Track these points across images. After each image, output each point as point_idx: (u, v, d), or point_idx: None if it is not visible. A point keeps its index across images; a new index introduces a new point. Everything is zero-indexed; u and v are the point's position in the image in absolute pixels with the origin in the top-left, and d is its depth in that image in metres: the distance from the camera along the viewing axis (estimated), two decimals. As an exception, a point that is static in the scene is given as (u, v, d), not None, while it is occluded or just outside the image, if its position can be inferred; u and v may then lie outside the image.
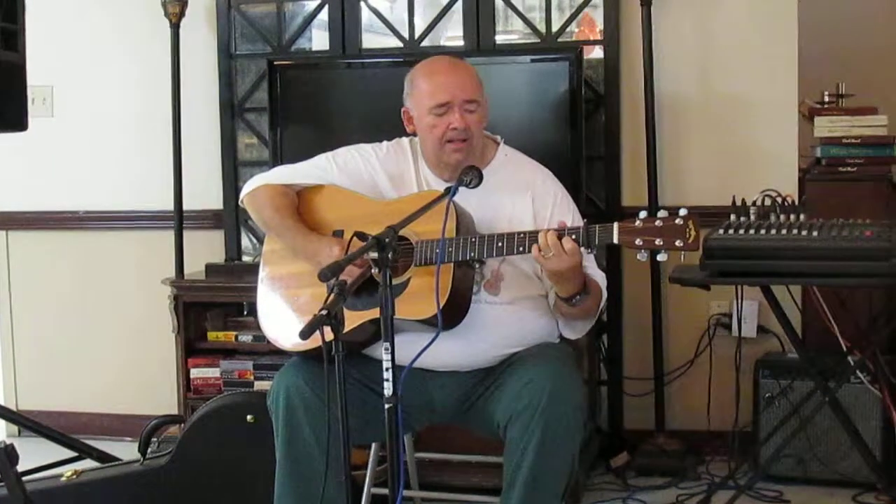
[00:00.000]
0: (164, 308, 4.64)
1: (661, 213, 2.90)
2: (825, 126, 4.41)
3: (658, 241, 2.88)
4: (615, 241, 2.93)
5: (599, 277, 3.26)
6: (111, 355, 5.24)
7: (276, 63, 4.67)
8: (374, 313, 2.99)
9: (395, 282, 2.92)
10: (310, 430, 3.13)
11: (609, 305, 4.53)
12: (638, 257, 2.91)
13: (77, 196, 5.22)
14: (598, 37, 4.71)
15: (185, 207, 4.84)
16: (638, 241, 2.89)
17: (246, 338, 4.63)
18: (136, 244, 5.17)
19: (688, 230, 2.86)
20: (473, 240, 3.07)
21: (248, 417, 3.58)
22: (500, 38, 4.80)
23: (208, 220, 5.05)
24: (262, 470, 3.32)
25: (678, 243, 2.86)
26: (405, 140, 3.47)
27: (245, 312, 4.80)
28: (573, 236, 2.96)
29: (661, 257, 2.89)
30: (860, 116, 4.39)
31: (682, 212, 2.87)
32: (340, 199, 3.37)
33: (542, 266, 3.06)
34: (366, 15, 4.87)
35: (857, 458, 3.94)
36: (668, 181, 4.59)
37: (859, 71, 4.35)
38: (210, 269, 4.75)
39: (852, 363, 3.98)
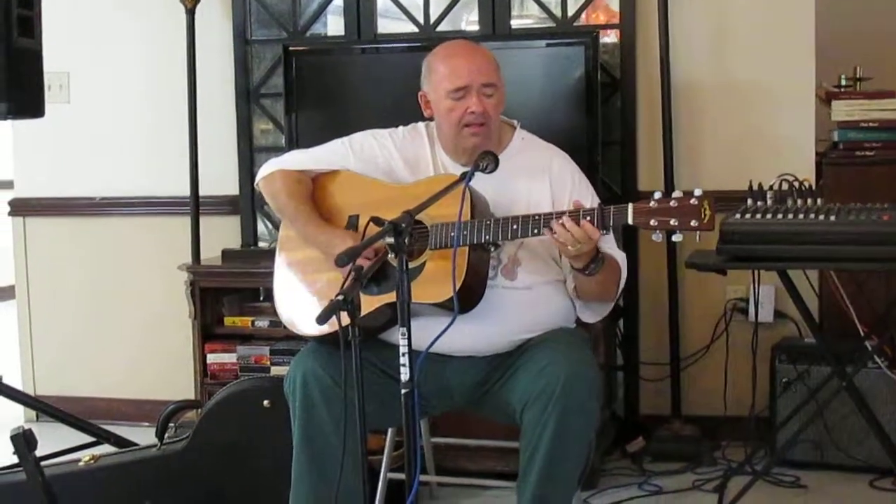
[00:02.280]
0: (181, 294, 4.65)
1: (676, 194, 2.90)
2: (842, 110, 4.39)
3: (673, 222, 2.87)
4: (630, 221, 2.92)
5: (619, 257, 3.26)
6: (128, 341, 5.25)
7: (291, 49, 4.66)
8: (390, 297, 3.00)
9: (410, 265, 2.91)
10: (326, 415, 3.13)
11: (625, 290, 4.49)
12: (653, 238, 2.91)
13: (93, 182, 5.23)
14: (614, 21, 4.69)
15: (201, 193, 4.84)
16: (653, 222, 2.89)
17: (262, 323, 4.64)
18: (152, 230, 5.19)
19: (703, 210, 2.85)
20: (488, 223, 3.06)
21: (265, 402, 3.59)
22: (515, 23, 4.79)
23: (224, 205, 5.06)
24: (279, 455, 3.33)
25: (693, 223, 2.86)
26: (421, 125, 3.46)
27: (261, 298, 4.80)
28: (588, 217, 2.96)
29: (676, 238, 2.89)
30: (878, 100, 4.37)
31: (697, 192, 2.87)
32: (356, 184, 3.37)
33: (561, 250, 3.06)
34: (381, 0, 4.86)
35: (874, 443, 3.93)
36: (685, 165, 4.58)
37: (877, 54, 4.32)
38: (226, 254, 4.75)
39: (870, 348, 3.97)
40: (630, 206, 2.93)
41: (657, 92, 4.52)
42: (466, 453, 4.16)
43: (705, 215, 2.85)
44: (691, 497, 4.13)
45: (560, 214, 2.99)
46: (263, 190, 3.45)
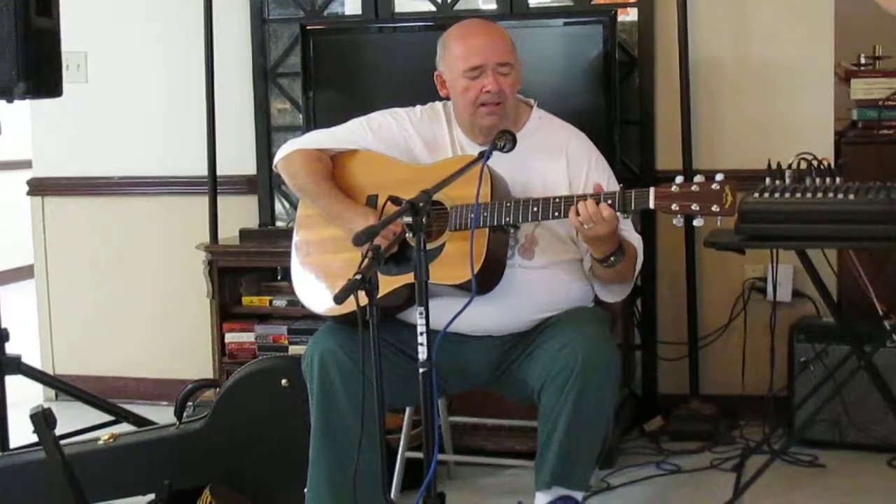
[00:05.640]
0: (199, 273, 4.67)
1: (698, 178, 2.89)
2: (861, 88, 4.37)
3: (694, 207, 2.87)
4: (651, 206, 2.92)
5: (636, 240, 3.25)
6: (147, 320, 5.27)
7: (308, 28, 4.66)
8: (409, 278, 3.00)
9: (429, 246, 2.92)
10: (344, 394, 3.14)
11: (643, 270, 4.48)
12: (674, 222, 2.90)
13: (111, 162, 5.24)
14: (632, -1, 4.68)
15: (218, 173, 4.85)
16: (674, 207, 2.89)
17: (280, 302, 4.65)
18: (170, 209, 5.20)
19: (724, 195, 2.85)
20: (508, 204, 3.06)
21: (283, 382, 3.60)
22: (533, 2, 4.77)
23: (242, 185, 5.07)
24: (297, 434, 3.34)
25: (715, 208, 2.85)
26: (439, 104, 3.46)
27: (279, 277, 4.82)
28: (609, 201, 2.95)
29: (697, 222, 2.88)
30: (897, 78, 4.35)
31: (719, 177, 2.86)
32: (374, 163, 3.37)
33: (580, 232, 3.05)
34: (398, -21, 4.86)
35: (892, 422, 3.93)
36: (703, 145, 4.56)
37: (896, 32, 4.32)
38: (244, 234, 4.76)
39: (888, 327, 3.95)
40: (652, 190, 2.92)
41: (675, 71, 4.50)
42: (484, 432, 4.17)
43: (727, 200, 2.85)
44: (709, 476, 4.13)
45: (581, 197, 2.99)
46: (282, 170, 3.45)
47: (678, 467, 4.20)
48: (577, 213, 2.97)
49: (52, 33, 3.97)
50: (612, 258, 3.10)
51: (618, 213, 2.98)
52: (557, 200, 3.03)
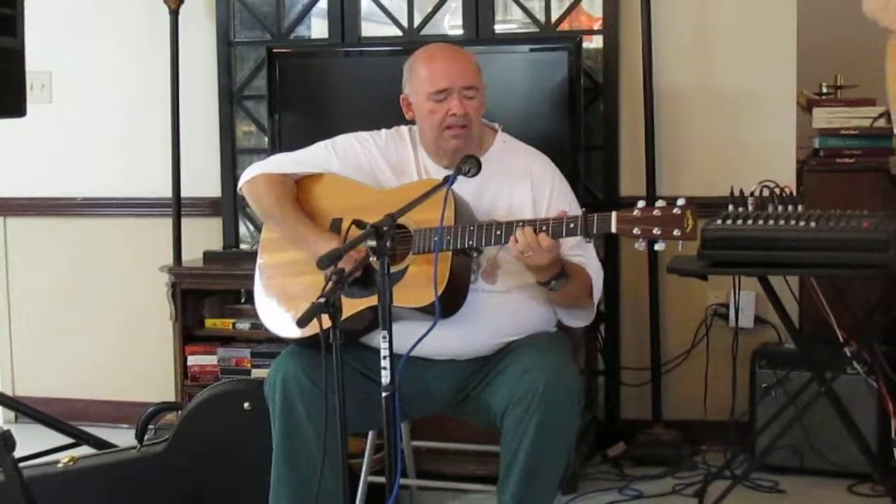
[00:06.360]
0: (162, 295, 4.64)
1: (660, 203, 2.90)
2: (823, 117, 4.41)
3: (656, 231, 2.88)
4: (613, 230, 2.93)
5: (593, 267, 3.26)
6: (108, 342, 5.24)
7: (275, 51, 4.66)
8: (372, 301, 2.99)
9: (393, 270, 2.92)
10: (307, 417, 3.13)
11: (606, 295, 4.53)
12: (636, 246, 2.91)
13: (75, 182, 5.22)
14: (598, 27, 4.70)
15: (183, 194, 4.83)
16: (636, 231, 2.90)
17: (244, 325, 4.63)
18: (133, 231, 5.17)
19: (686, 219, 2.86)
20: (471, 228, 3.07)
21: (245, 405, 3.59)
22: (499, 28, 4.79)
23: (206, 207, 5.05)
24: (259, 457, 3.32)
25: (676, 233, 2.86)
26: (404, 128, 3.47)
27: (243, 300, 4.79)
28: (571, 225, 2.96)
29: (658, 247, 2.89)
30: (858, 107, 4.39)
31: (680, 201, 2.88)
32: (339, 187, 3.37)
33: (521, 261, 3.06)
34: (365, 3, 4.86)
35: (852, 448, 3.94)
36: (667, 171, 4.59)
37: (857, 62, 4.35)
38: (208, 256, 4.75)
39: (849, 354, 3.98)
40: (613, 214, 2.93)
41: (639, 98, 4.53)
42: (447, 457, 4.16)
43: (688, 224, 2.86)
44: (671, 501, 4.14)
45: (544, 222, 3.00)
46: (247, 194, 3.45)
47: (640, 493, 4.20)
48: (516, 240, 2.98)
49: (17, 53, 3.94)
50: (552, 282, 3.11)
51: (580, 238, 2.99)
52: (520, 224, 3.03)
